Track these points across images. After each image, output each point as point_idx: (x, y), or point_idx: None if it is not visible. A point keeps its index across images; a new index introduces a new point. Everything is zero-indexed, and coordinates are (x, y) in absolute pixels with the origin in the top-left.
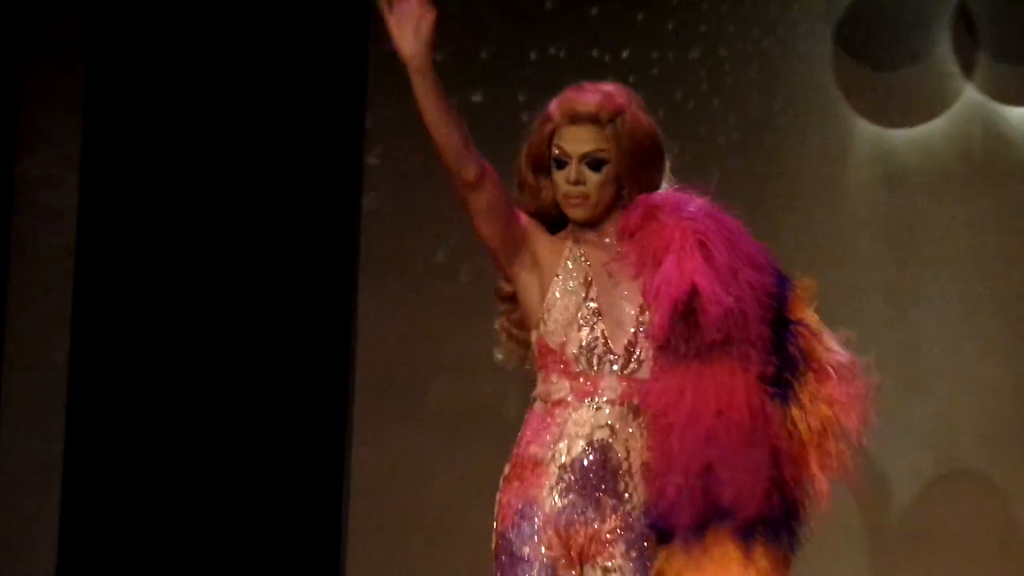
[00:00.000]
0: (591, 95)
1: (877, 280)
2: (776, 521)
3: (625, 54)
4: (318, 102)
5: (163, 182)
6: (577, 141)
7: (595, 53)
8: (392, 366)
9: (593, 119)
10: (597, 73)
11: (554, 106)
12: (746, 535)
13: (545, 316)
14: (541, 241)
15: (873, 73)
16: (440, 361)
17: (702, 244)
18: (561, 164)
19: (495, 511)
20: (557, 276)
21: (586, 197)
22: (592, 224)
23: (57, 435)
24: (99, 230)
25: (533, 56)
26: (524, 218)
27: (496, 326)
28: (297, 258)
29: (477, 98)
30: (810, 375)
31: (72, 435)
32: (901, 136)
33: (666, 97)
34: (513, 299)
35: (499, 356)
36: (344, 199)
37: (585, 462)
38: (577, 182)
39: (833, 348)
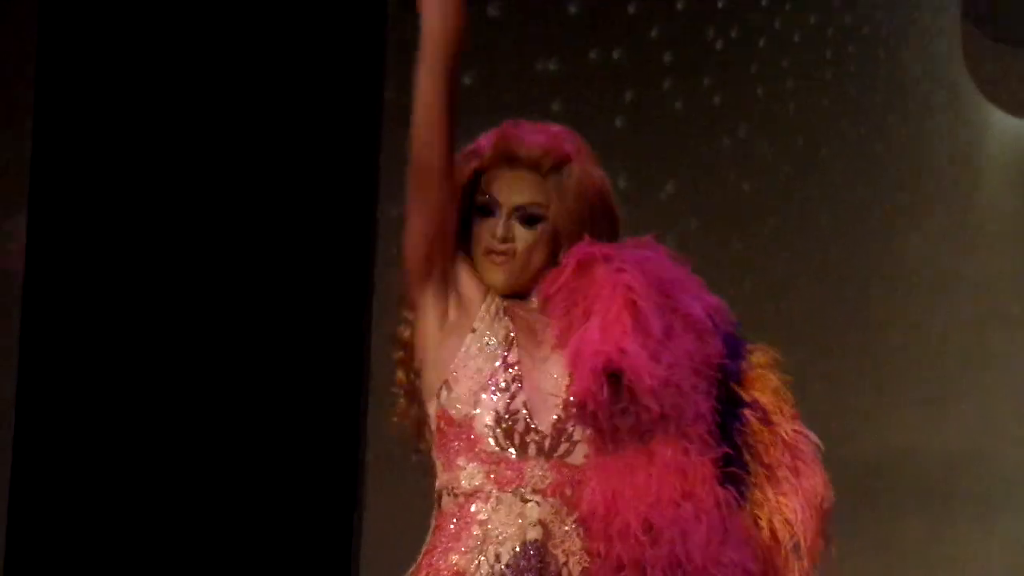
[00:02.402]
0: (536, 136)
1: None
2: None
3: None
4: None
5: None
6: (511, 189)
7: (709, 33)
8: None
9: (534, 165)
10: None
11: (487, 141)
12: None
13: (452, 379)
14: (466, 277)
15: (1014, 51)
16: None
17: (632, 303)
18: (487, 213)
19: None
20: (473, 330)
21: (512, 255)
22: (514, 294)
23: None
24: (52, 257)
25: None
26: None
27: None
28: (306, 291)
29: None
30: (761, 473)
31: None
32: None
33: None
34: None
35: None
36: (359, 216)
37: (519, 572)
38: (505, 239)
39: (791, 434)
